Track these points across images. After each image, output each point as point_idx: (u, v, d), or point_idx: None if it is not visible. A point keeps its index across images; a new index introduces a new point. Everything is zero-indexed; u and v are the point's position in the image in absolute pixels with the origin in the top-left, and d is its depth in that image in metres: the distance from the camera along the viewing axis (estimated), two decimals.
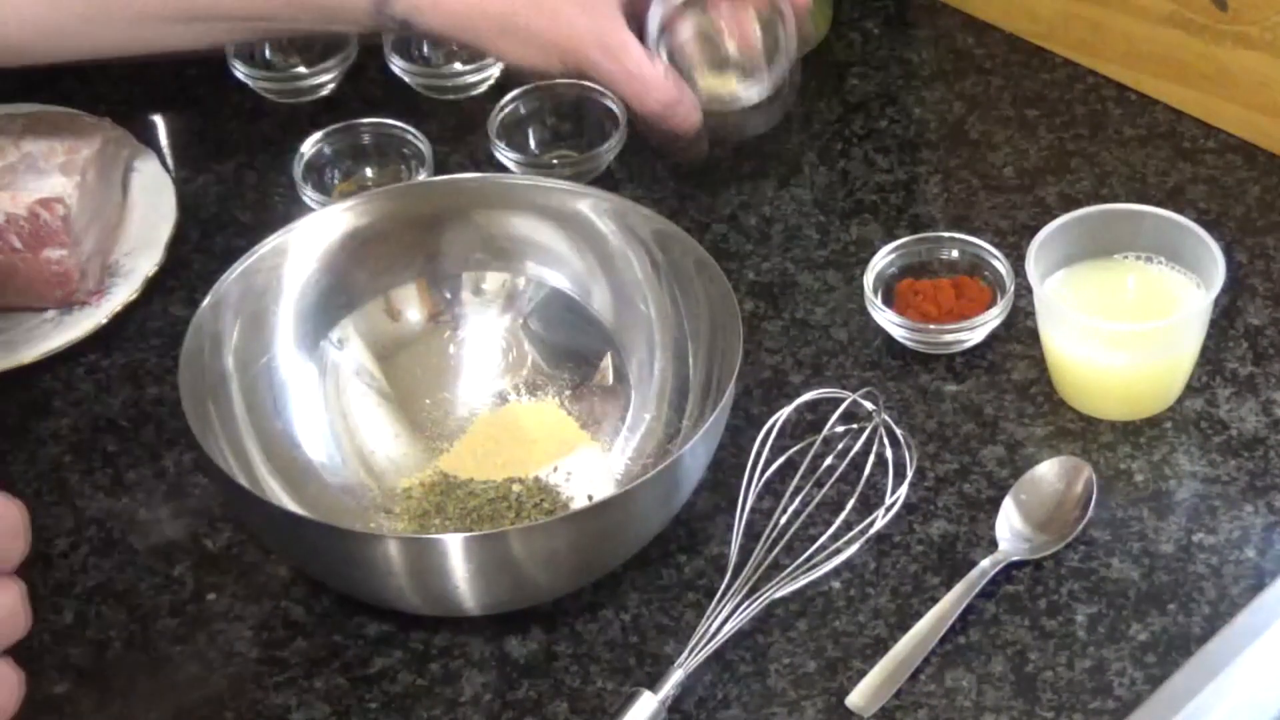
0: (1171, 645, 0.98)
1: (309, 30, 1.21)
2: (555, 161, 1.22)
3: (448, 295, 1.11)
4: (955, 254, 1.14)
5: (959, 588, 1.00)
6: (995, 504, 1.04)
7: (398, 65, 1.27)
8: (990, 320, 1.11)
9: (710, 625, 0.97)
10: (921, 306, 1.12)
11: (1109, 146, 1.24)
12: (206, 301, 1.03)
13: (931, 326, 1.11)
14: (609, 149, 1.22)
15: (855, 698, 0.96)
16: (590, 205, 1.09)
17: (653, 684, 0.95)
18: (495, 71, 1.28)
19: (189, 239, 1.21)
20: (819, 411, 1.08)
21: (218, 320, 1.03)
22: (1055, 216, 1.09)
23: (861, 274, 1.14)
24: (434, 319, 1.11)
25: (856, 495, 1.02)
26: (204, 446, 0.97)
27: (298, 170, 1.21)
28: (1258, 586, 1.00)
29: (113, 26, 1.15)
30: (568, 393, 1.10)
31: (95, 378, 1.14)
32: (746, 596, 0.98)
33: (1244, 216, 1.19)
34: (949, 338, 1.11)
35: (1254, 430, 1.07)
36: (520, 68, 1.17)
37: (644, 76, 1.13)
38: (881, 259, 1.14)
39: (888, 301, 1.13)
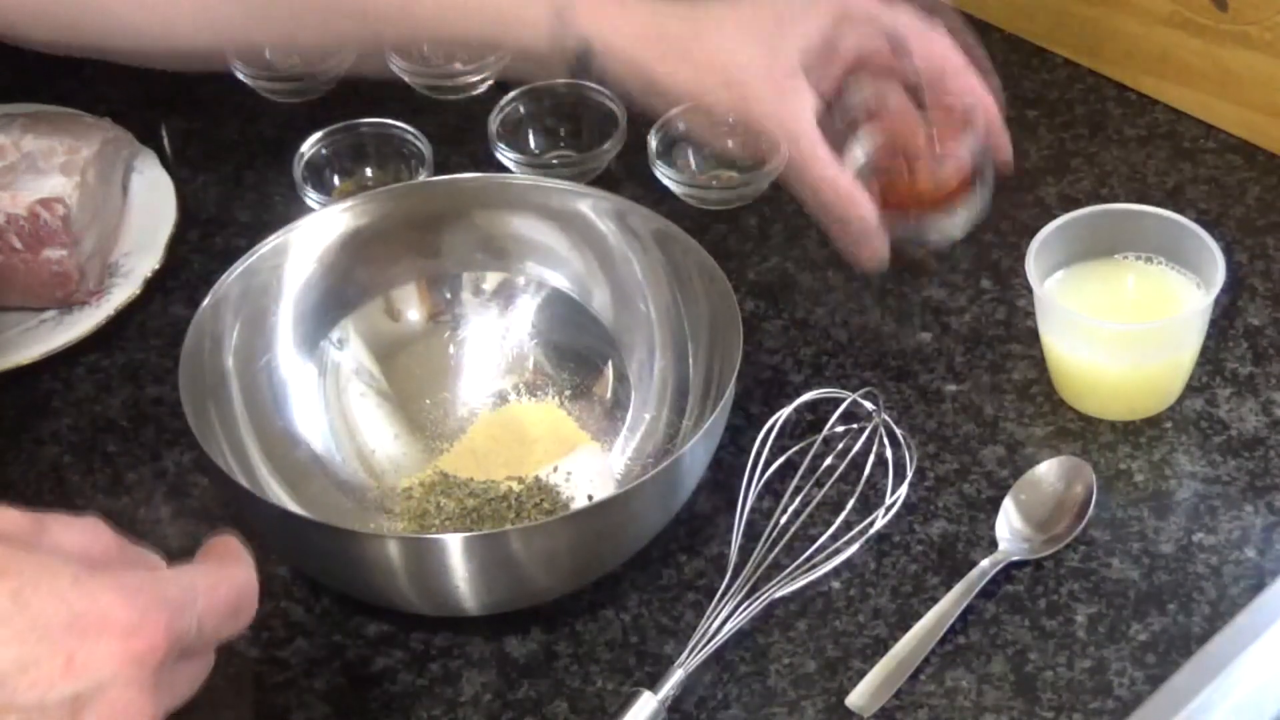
0: (1171, 645, 0.98)
1: (477, 48, 1.22)
2: (555, 161, 1.22)
3: (448, 295, 1.11)
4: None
5: (959, 588, 1.00)
6: (995, 504, 1.04)
7: (397, 65, 1.27)
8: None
9: (710, 625, 0.97)
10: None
11: (1109, 146, 1.24)
12: (206, 301, 1.03)
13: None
14: (609, 149, 1.22)
15: (855, 698, 0.96)
16: (590, 205, 1.09)
17: (653, 684, 0.95)
18: (495, 71, 1.28)
19: (189, 239, 1.21)
20: (819, 411, 1.08)
21: (218, 320, 1.03)
22: (1055, 216, 1.09)
23: (862, 274, 1.15)
24: (434, 319, 1.11)
25: (856, 495, 1.02)
26: (204, 446, 0.97)
27: (298, 170, 1.21)
28: (1258, 586, 1.00)
29: (271, 21, 1.14)
30: (568, 393, 1.10)
31: (95, 378, 1.14)
32: (746, 596, 0.99)
33: (1244, 216, 1.19)
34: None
35: (1254, 430, 1.07)
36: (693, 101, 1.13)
37: (829, 179, 1.09)
38: None
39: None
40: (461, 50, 1.24)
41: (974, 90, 1.12)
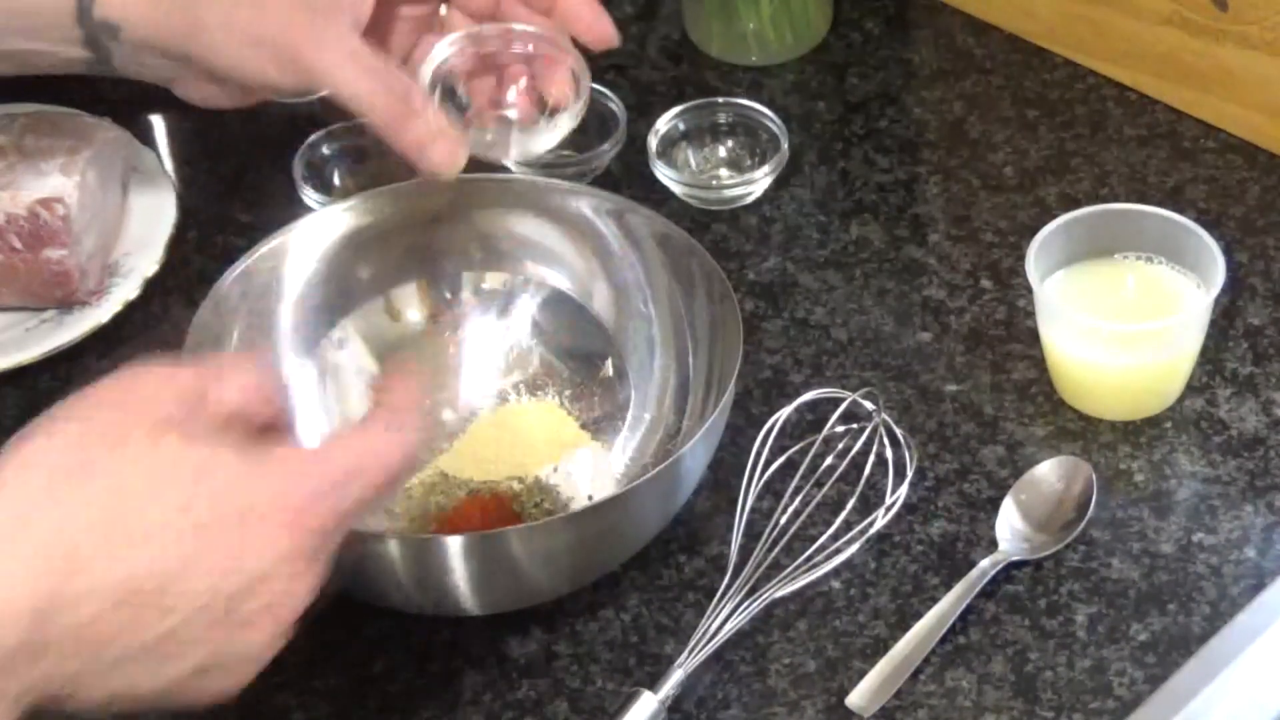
0: (1171, 645, 0.98)
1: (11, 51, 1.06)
2: (555, 161, 1.22)
3: (448, 295, 1.11)
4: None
5: (959, 588, 1.00)
6: (995, 504, 1.04)
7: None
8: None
9: (710, 625, 0.97)
10: None
11: (1109, 146, 1.24)
12: (206, 302, 1.03)
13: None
14: (609, 149, 1.22)
15: (855, 698, 0.96)
16: (590, 205, 1.09)
17: (653, 684, 0.95)
18: None
19: (189, 239, 1.21)
20: (819, 411, 1.08)
21: (218, 320, 1.03)
22: (1055, 216, 1.09)
23: (862, 274, 1.14)
24: (434, 319, 1.11)
25: (856, 495, 1.02)
26: None
27: (298, 170, 1.21)
28: (1258, 586, 1.00)
29: None
30: (568, 393, 1.10)
31: (95, 378, 1.14)
32: (746, 596, 0.99)
33: (1244, 216, 1.19)
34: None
35: (1254, 430, 1.07)
36: (233, 75, 1.04)
37: (399, 92, 1.00)
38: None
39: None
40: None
41: None
